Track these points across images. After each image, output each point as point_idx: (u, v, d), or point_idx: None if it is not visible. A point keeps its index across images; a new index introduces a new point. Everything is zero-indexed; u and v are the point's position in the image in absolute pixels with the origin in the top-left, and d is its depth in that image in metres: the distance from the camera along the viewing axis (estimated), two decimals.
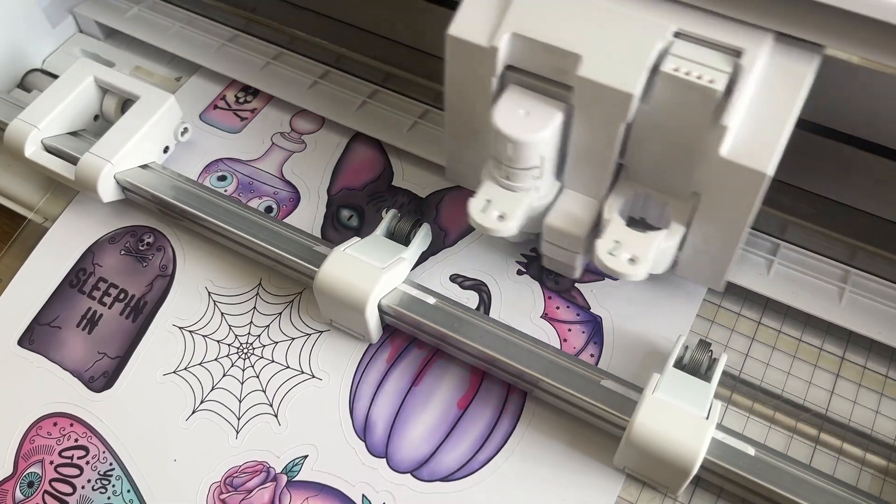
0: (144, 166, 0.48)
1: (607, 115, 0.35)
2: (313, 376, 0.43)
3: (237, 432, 0.42)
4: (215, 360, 0.44)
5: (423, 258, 0.46)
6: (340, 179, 0.50)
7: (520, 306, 0.44)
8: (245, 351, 0.44)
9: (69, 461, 0.42)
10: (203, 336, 0.45)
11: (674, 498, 0.39)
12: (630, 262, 0.37)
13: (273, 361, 0.44)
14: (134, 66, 0.56)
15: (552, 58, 0.35)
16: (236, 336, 0.45)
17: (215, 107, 0.53)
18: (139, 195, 0.47)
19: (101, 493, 0.41)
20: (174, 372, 0.44)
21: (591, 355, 0.42)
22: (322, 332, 0.44)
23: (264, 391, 0.43)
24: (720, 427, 0.38)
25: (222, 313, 0.45)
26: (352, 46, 0.54)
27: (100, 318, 0.46)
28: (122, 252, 0.48)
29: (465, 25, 0.37)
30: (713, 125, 0.34)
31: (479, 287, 0.45)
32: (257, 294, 0.46)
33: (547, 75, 0.36)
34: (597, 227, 0.40)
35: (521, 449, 0.40)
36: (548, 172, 0.39)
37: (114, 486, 0.41)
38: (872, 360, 0.42)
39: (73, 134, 0.49)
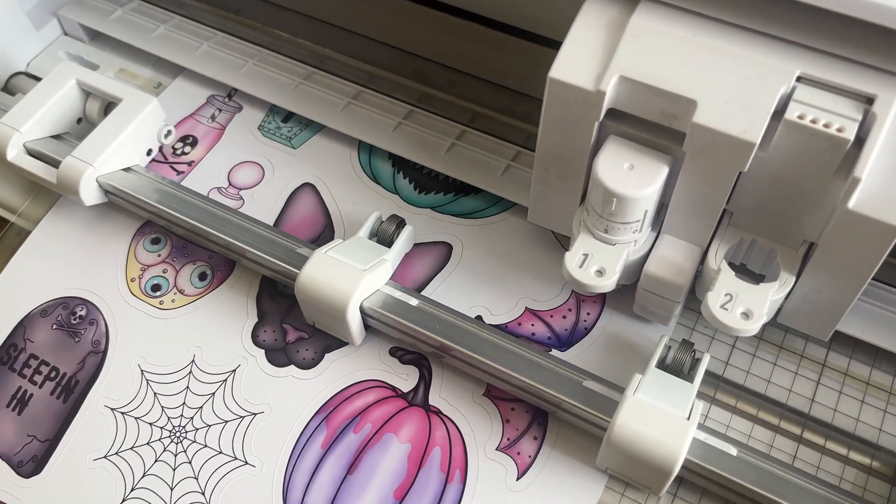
0: (127, 169, 0.48)
1: (722, 163, 0.34)
2: (246, 462, 0.41)
3: None
4: (147, 444, 0.42)
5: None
6: None
7: (461, 383, 0.42)
8: (178, 434, 0.42)
9: None
10: (135, 418, 0.43)
11: (656, 499, 0.39)
12: (743, 317, 0.35)
13: (206, 446, 0.42)
14: (118, 68, 0.56)
15: (663, 103, 0.34)
16: (169, 418, 0.43)
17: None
18: (121, 198, 0.47)
19: None
20: (105, 457, 0.42)
21: (535, 437, 0.41)
22: (256, 413, 0.42)
23: (196, 478, 0.41)
24: (702, 427, 0.38)
25: (155, 393, 0.44)
26: (336, 47, 0.54)
27: (30, 398, 0.44)
28: (54, 326, 0.46)
29: (569, 68, 0.34)
30: (839, 175, 0.32)
31: (420, 361, 0.43)
32: (190, 372, 0.44)
33: (654, 121, 0.35)
34: (697, 275, 0.39)
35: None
36: (647, 223, 0.38)
37: None
38: (855, 359, 0.42)
39: (56, 137, 0.49)
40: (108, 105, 0.49)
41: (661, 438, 0.36)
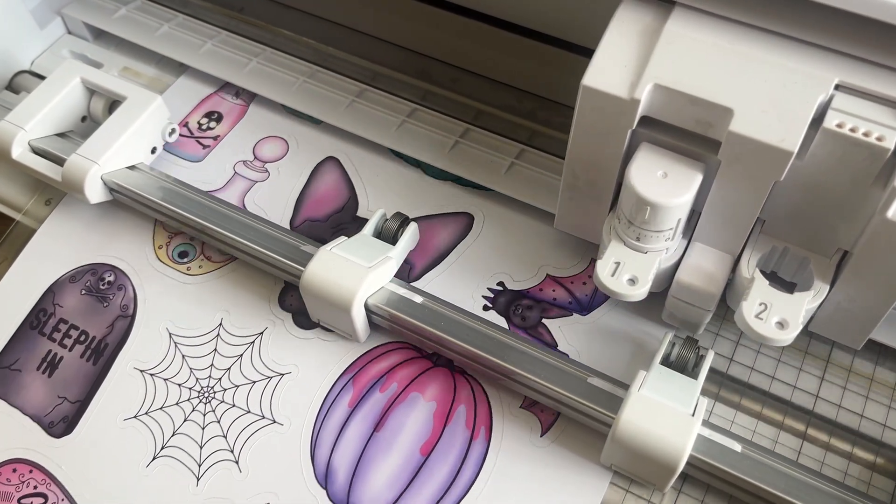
0: (132, 167, 0.48)
1: (758, 172, 0.33)
2: (274, 421, 0.42)
3: (198, 479, 0.41)
4: (176, 404, 0.43)
5: None
6: (304, 210, 0.49)
7: None
8: (206, 395, 0.43)
9: None
10: (164, 379, 0.44)
11: (661, 495, 0.39)
12: (778, 327, 0.35)
13: (234, 406, 0.43)
14: (122, 66, 0.56)
15: (698, 111, 0.33)
16: (197, 379, 0.44)
17: (178, 134, 0.51)
18: (126, 196, 0.47)
19: None
20: (135, 417, 0.43)
21: None
22: (283, 374, 0.43)
23: (225, 437, 0.42)
24: (706, 424, 0.38)
25: (183, 355, 0.44)
26: (340, 46, 0.54)
27: (60, 361, 0.45)
28: (83, 292, 0.47)
29: (602, 75, 0.34)
30: (876, 184, 0.32)
31: None
32: (218, 335, 0.45)
33: (688, 128, 0.34)
34: (729, 283, 0.39)
35: (487, 495, 0.40)
36: (679, 231, 0.37)
37: None
38: (860, 356, 0.42)
39: (61, 135, 0.49)
40: (113, 103, 0.50)
41: (666, 435, 0.36)
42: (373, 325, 0.43)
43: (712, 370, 0.41)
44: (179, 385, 0.44)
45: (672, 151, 0.35)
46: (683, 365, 0.39)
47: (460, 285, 0.45)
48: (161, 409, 0.43)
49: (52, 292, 0.47)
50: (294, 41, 0.55)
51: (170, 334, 0.45)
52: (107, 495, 0.41)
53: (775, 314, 0.35)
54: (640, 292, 0.37)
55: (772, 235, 0.38)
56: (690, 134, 0.34)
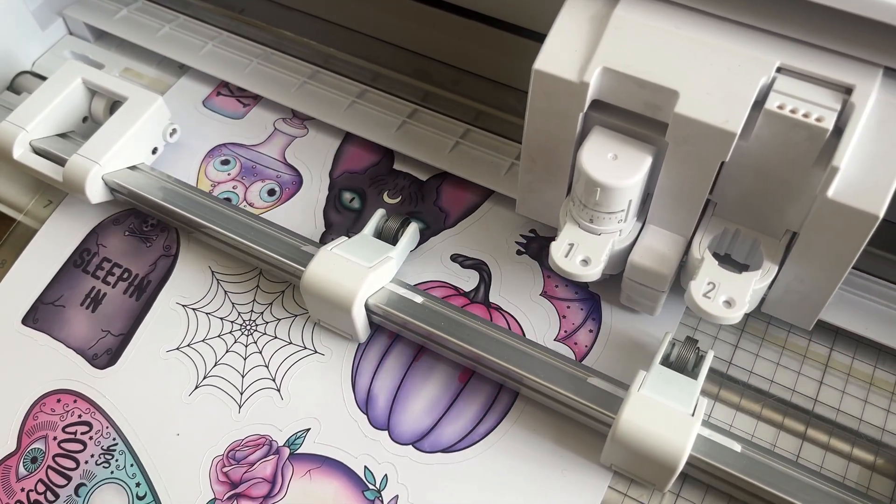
0: (133, 167, 0.48)
1: (704, 153, 0.34)
2: (316, 352, 0.44)
3: (240, 407, 0.43)
4: (218, 336, 0.45)
5: (424, 238, 0.47)
6: (342, 163, 0.50)
7: (519, 284, 0.45)
8: (248, 327, 0.45)
9: (73, 437, 0.43)
10: (206, 313, 0.45)
11: (661, 495, 0.39)
12: (726, 305, 0.36)
13: (276, 338, 0.44)
14: (123, 67, 0.56)
15: (646, 94, 0.34)
16: (239, 313, 0.45)
17: (218, 93, 0.54)
18: (127, 196, 0.47)
19: (104, 467, 0.42)
20: (177, 348, 0.45)
21: (590, 331, 0.43)
22: None
23: (267, 366, 0.44)
24: (706, 424, 0.38)
25: (225, 291, 0.46)
26: (340, 46, 0.55)
27: (103, 297, 0.46)
28: (126, 233, 0.48)
29: (553, 60, 0.35)
30: (818, 164, 0.33)
31: (480, 266, 0.46)
32: (260, 272, 0.46)
33: (637, 111, 0.35)
34: (681, 265, 0.40)
35: (523, 420, 0.41)
36: (632, 213, 0.38)
37: (117, 460, 0.42)
38: (859, 356, 0.42)
39: (62, 136, 0.49)
40: (114, 104, 0.50)
41: (666, 435, 0.36)
42: (373, 324, 0.43)
43: (712, 370, 0.41)
44: (222, 319, 0.45)
45: (623, 134, 0.36)
46: (683, 365, 0.39)
47: (494, 232, 0.47)
48: (203, 341, 0.45)
49: (95, 233, 0.49)
50: (295, 42, 0.55)
51: (212, 272, 0.47)
52: (150, 422, 0.43)
53: (723, 293, 0.36)
54: (592, 272, 0.37)
55: (723, 218, 0.38)
56: (640, 117, 0.35)
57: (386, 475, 0.40)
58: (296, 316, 0.45)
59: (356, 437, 0.41)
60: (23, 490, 0.42)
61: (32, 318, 0.46)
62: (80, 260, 0.48)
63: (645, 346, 0.43)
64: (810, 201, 0.34)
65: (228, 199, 0.49)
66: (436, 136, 0.50)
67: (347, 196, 0.49)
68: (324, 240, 0.47)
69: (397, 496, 0.40)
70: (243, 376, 0.43)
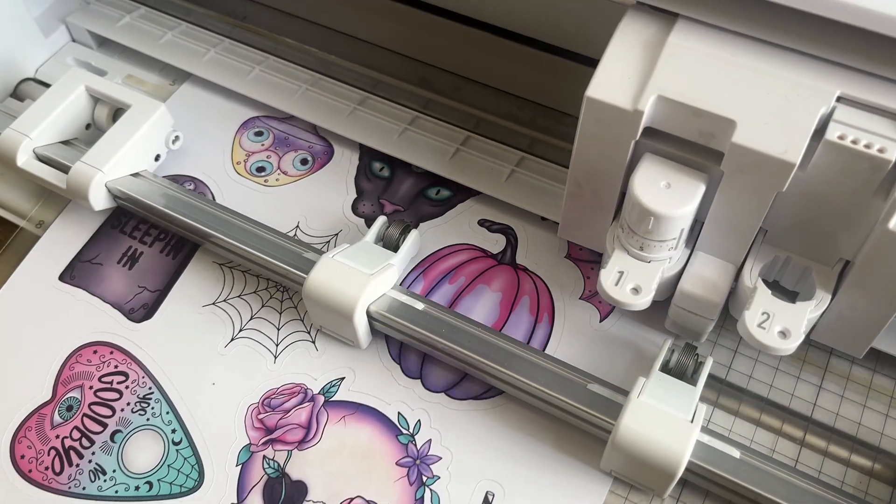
0: (136, 174, 0.48)
1: (760, 182, 0.33)
2: None
3: (275, 357, 0.44)
4: (254, 292, 0.46)
5: (452, 205, 0.49)
6: None
7: (545, 248, 0.47)
8: (283, 284, 0.46)
9: (109, 386, 0.44)
10: (242, 271, 0.47)
11: (660, 501, 0.39)
12: (780, 336, 0.35)
13: None
14: (126, 74, 0.57)
15: (701, 122, 0.33)
16: (276, 271, 0.45)
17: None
18: (130, 203, 0.47)
19: (139, 415, 0.43)
20: (213, 303, 0.46)
21: None
22: None
23: (302, 320, 0.45)
24: (705, 430, 0.38)
25: None
26: (341, 54, 0.55)
27: (140, 256, 0.48)
28: None
29: (606, 87, 0.34)
30: (878, 195, 0.33)
31: (506, 230, 0.48)
32: (296, 235, 0.48)
33: (692, 139, 0.34)
34: (731, 293, 0.39)
35: (523, 425, 0.42)
36: (683, 241, 0.38)
37: (153, 408, 0.43)
38: (858, 363, 0.43)
39: (65, 143, 0.50)
40: (117, 111, 0.50)
41: (666, 441, 0.36)
42: (374, 330, 0.44)
43: (711, 377, 0.42)
44: (257, 276, 0.47)
45: (675, 162, 0.36)
46: (682, 371, 0.39)
47: None
48: (239, 296, 0.46)
49: None
50: (297, 49, 0.56)
51: None
52: (186, 372, 0.44)
53: (778, 323, 0.36)
54: (643, 301, 0.37)
55: (774, 245, 0.38)
56: (693, 145, 0.35)
57: (419, 420, 0.42)
58: None
59: (390, 385, 0.43)
60: (57, 437, 0.43)
61: (69, 275, 0.48)
62: (117, 221, 0.49)
63: (644, 352, 0.43)
64: (867, 231, 0.34)
65: (263, 168, 0.51)
66: (436, 143, 0.50)
67: (377, 165, 0.51)
68: (355, 206, 0.49)
69: (430, 440, 0.41)
70: (279, 329, 0.45)
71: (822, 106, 0.32)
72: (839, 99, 0.33)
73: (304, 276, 0.42)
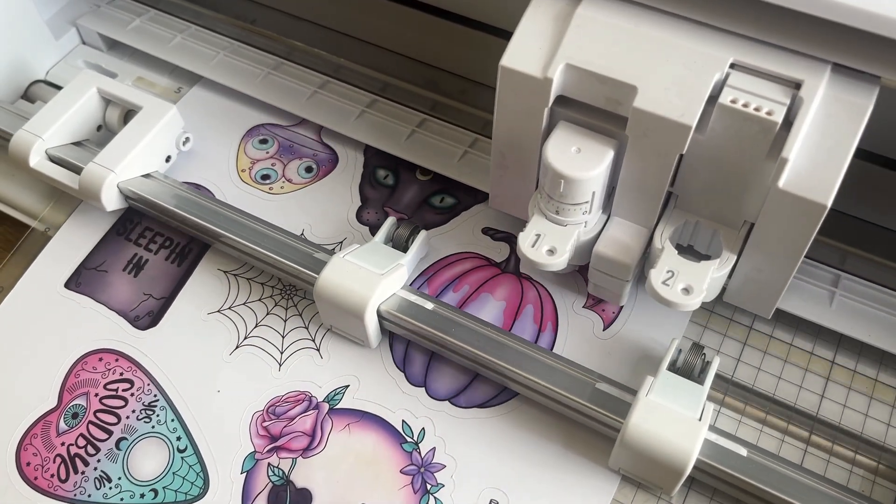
0: (147, 175, 0.49)
1: (662, 146, 0.35)
2: None
3: (280, 365, 0.44)
4: (259, 300, 0.46)
5: (455, 213, 0.49)
6: None
7: None
8: (288, 291, 0.46)
9: (114, 393, 0.44)
10: (247, 279, 0.47)
11: (668, 499, 0.40)
12: (684, 293, 0.37)
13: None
14: (136, 76, 0.57)
15: (607, 89, 0.35)
16: (280, 279, 0.46)
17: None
18: (142, 204, 0.48)
19: (145, 422, 0.43)
20: (218, 311, 0.46)
21: None
22: None
23: (307, 328, 0.45)
24: (713, 428, 0.38)
25: None
26: (350, 57, 0.55)
27: (145, 263, 0.48)
28: None
29: (518, 56, 0.36)
30: (770, 156, 0.34)
31: (510, 239, 0.48)
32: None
33: (599, 106, 0.36)
34: (645, 255, 0.41)
35: (530, 424, 0.42)
36: (597, 205, 0.39)
37: (158, 415, 0.43)
38: (862, 362, 0.43)
39: (77, 144, 0.50)
40: (128, 113, 0.50)
41: (674, 439, 0.36)
42: (384, 330, 0.44)
43: (718, 376, 0.42)
44: (262, 283, 0.47)
45: (587, 129, 0.38)
46: (689, 371, 0.40)
47: None
48: (244, 304, 0.46)
49: None
50: (305, 52, 0.56)
51: None
52: (191, 379, 0.44)
53: (681, 281, 0.37)
54: (558, 261, 0.39)
55: (684, 210, 0.40)
56: (602, 112, 0.37)
57: (423, 429, 0.42)
58: None
59: (394, 393, 0.43)
60: (63, 444, 0.43)
61: (75, 282, 0.48)
62: (122, 228, 0.50)
63: (652, 353, 0.43)
64: (764, 192, 0.35)
65: (267, 176, 0.51)
66: (445, 146, 0.50)
67: (382, 173, 0.51)
68: (359, 214, 0.49)
69: (434, 448, 0.41)
70: (283, 336, 0.45)
71: (716, 72, 0.34)
72: (733, 65, 0.34)
73: (316, 276, 0.42)
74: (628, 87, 0.35)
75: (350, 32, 0.57)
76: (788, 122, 0.33)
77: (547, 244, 0.39)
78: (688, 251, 0.40)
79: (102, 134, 0.52)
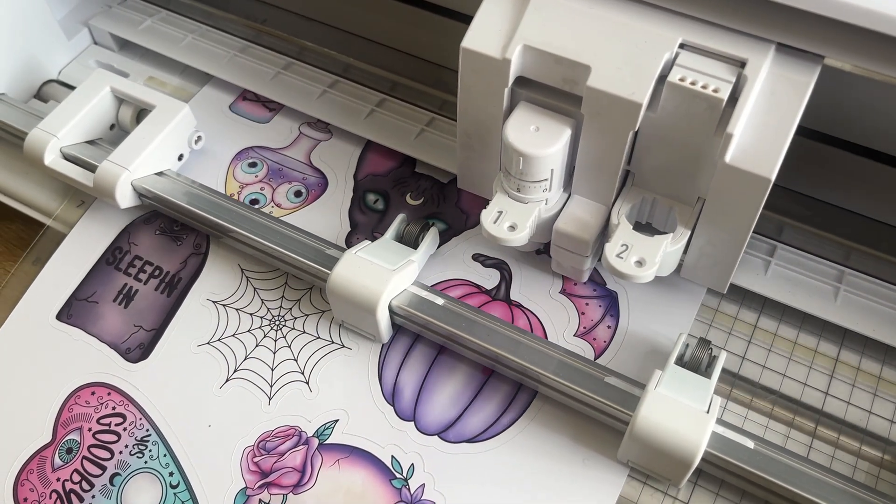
0: (160, 173, 0.49)
1: (616, 123, 0.37)
2: (343, 346, 0.45)
3: (269, 399, 0.44)
4: (248, 331, 0.46)
5: (446, 239, 0.49)
6: (366, 166, 0.52)
7: (539, 283, 0.47)
8: (277, 323, 0.46)
9: (107, 428, 0.44)
10: (236, 309, 0.47)
11: (676, 491, 0.40)
12: (637, 265, 0.38)
13: (304, 332, 0.46)
14: (147, 76, 0.58)
15: (563, 69, 0.37)
16: (268, 309, 0.47)
17: (244, 98, 0.56)
18: (155, 201, 0.48)
19: (137, 457, 0.43)
20: (208, 343, 0.46)
21: (609, 326, 0.45)
22: None
23: (296, 360, 0.45)
24: (720, 421, 0.39)
25: (255, 288, 0.48)
26: (360, 56, 0.56)
27: (136, 294, 0.48)
28: (157, 232, 0.50)
29: (479, 38, 0.38)
30: (718, 133, 0.35)
31: (500, 265, 0.48)
32: (288, 272, 0.48)
33: (557, 86, 0.38)
34: (605, 232, 0.42)
35: (547, 409, 0.43)
36: (556, 183, 0.40)
37: (150, 450, 0.43)
38: (867, 357, 0.44)
39: (90, 143, 0.51)
40: (141, 112, 0.51)
41: (682, 431, 0.37)
42: (395, 325, 0.45)
43: (724, 370, 0.43)
44: (251, 314, 0.47)
45: (546, 109, 0.39)
46: (697, 365, 0.40)
47: None
48: (234, 335, 0.46)
49: (127, 232, 0.50)
50: (316, 52, 0.57)
51: (241, 270, 0.48)
52: (182, 413, 0.44)
53: (635, 254, 0.39)
54: (519, 237, 0.40)
55: (641, 187, 0.41)
56: (560, 92, 0.38)
57: (413, 464, 0.42)
58: (323, 312, 0.46)
59: (383, 428, 0.43)
60: (58, 480, 0.43)
61: (67, 314, 0.48)
62: (112, 258, 0.49)
63: (659, 347, 0.44)
64: (714, 168, 0.36)
65: (256, 201, 0.51)
66: (453, 144, 0.51)
67: (371, 197, 0.51)
68: (349, 239, 0.49)
69: (424, 484, 0.41)
70: (273, 369, 0.45)
71: (666, 52, 0.35)
72: (682, 45, 0.36)
73: (328, 271, 0.43)
74: (582, 67, 0.36)
75: (359, 32, 0.57)
76: (734, 99, 0.35)
77: (508, 220, 0.40)
78: (647, 229, 0.41)
79: (115, 133, 0.52)
